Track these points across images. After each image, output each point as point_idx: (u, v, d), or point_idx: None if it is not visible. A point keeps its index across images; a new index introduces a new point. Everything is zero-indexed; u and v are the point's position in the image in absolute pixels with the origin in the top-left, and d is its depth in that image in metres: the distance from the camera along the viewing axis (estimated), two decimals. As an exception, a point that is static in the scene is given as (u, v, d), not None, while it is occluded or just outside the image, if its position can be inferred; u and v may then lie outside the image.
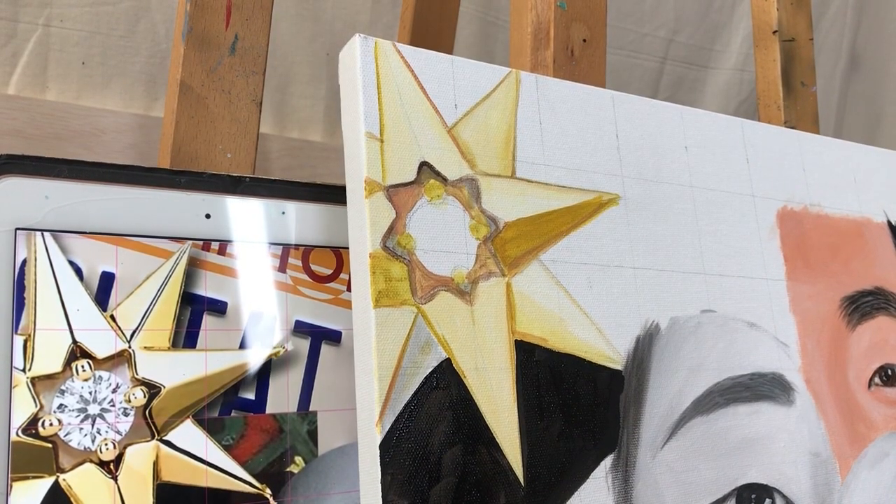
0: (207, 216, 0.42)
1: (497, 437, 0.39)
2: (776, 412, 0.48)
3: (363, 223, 0.38)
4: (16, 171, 0.38)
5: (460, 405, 0.38)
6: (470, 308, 0.40)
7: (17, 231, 0.38)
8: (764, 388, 0.48)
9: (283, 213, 0.44)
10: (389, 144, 0.40)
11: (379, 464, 0.36)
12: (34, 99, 0.64)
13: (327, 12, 0.79)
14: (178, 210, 0.41)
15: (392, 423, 0.36)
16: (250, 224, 0.43)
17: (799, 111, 0.67)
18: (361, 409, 0.37)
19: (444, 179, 0.41)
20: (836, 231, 0.56)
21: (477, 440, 0.39)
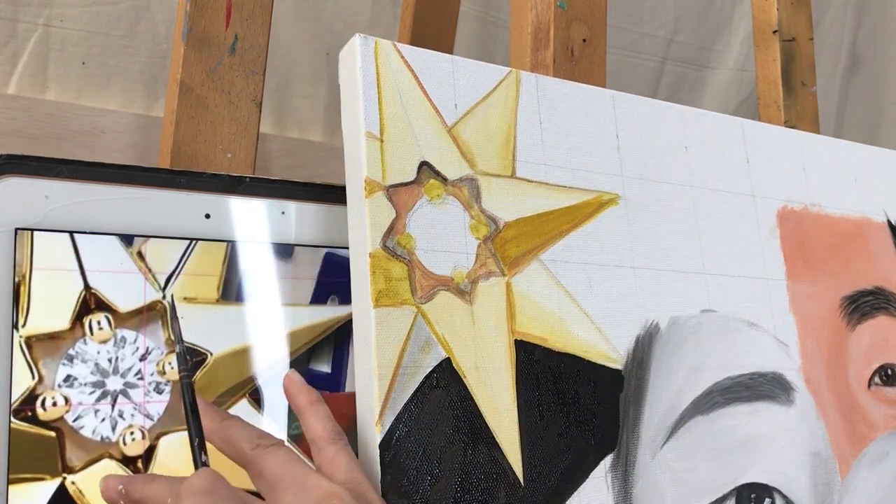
0: (207, 216, 0.42)
1: (497, 437, 0.39)
2: (776, 412, 0.48)
3: (363, 223, 0.38)
4: (16, 171, 0.37)
5: (460, 405, 0.38)
6: (470, 307, 0.40)
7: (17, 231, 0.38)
8: (764, 387, 0.48)
9: (283, 213, 0.44)
10: (389, 144, 0.40)
11: (379, 463, 0.36)
12: (34, 99, 0.64)
13: (327, 12, 0.79)
14: (178, 210, 0.41)
15: (392, 422, 0.36)
16: (250, 224, 0.43)
17: (799, 111, 0.67)
18: (361, 409, 0.37)
19: (444, 179, 0.41)
20: (837, 231, 0.56)
21: (477, 440, 0.39)
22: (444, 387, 0.38)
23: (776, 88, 0.67)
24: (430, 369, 0.38)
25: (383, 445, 0.36)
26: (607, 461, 0.42)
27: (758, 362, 0.49)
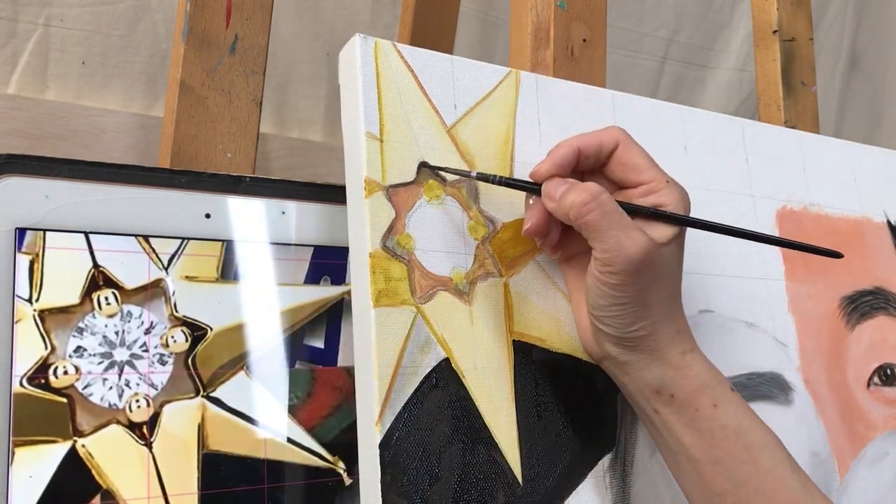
0: (207, 216, 0.42)
1: (495, 437, 0.39)
2: (775, 412, 0.48)
3: (363, 223, 0.38)
4: (16, 171, 0.37)
5: (459, 405, 0.39)
6: (468, 308, 0.40)
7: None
8: (762, 387, 0.48)
9: (283, 212, 0.44)
10: (389, 144, 0.40)
11: (378, 463, 0.36)
12: (34, 99, 0.64)
13: (327, 12, 0.79)
14: (178, 210, 0.41)
15: (392, 422, 0.36)
16: (250, 224, 0.43)
17: (799, 111, 0.67)
18: (361, 409, 0.37)
19: (443, 179, 0.41)
20: (836, 231, 0.56)
21: (476, 439, 0.39)
22: (444, 387, 0.38)
23: (776, 88, 0.67)
24: (429, 369, 0.38)
25: (383, 445, 0.36)
26: (605, 461, 0.42)
27: (756, 362, 0.49)
